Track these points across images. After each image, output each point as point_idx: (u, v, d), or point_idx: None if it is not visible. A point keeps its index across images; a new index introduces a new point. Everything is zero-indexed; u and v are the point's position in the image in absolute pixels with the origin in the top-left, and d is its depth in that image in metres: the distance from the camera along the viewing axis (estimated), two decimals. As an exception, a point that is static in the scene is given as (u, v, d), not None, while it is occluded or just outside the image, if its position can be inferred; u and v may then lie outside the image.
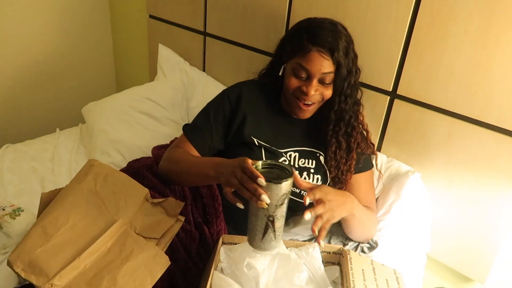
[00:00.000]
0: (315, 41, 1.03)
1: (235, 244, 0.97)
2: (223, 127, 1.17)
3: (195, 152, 1.15)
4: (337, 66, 1.05)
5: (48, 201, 0.97)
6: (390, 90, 1.28)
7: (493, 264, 1.20)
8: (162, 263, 0.87)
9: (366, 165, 1.19)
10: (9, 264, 0.84)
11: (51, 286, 0.80)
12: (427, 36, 1.16)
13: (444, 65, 1.15)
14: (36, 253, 0.84)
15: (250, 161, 0.81)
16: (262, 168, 0.83)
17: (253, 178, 0.78)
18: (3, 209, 1.20)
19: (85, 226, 0.90)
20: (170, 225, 0.97)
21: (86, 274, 0.84)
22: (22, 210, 1.21)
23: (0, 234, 1.14)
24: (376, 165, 1.22)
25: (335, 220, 0.92)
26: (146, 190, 1.00)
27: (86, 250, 0.85)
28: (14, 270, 0.83)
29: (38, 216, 0.96)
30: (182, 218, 1.01)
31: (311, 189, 0.90)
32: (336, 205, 0.91)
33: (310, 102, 1.09)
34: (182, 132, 1.21)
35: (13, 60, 2.08)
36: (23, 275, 0.82)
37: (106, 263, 0.86)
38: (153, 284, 0.84)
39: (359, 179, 1.17)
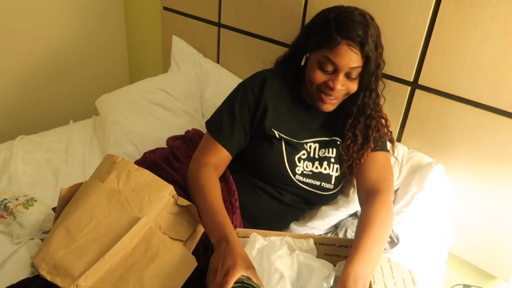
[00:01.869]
0: (345, 34, 0.96)
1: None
2: (248, 122, 1.11)
3: (224, 152, 1.09)
4: (366, 60, 0.99)
5: (68, 196, 0.95)
6: (411, 80, 1.24)
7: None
8: (189, 264, 0.85)
9: (382, 146, 1.13)
10: (34, 267, 0.83)
11: (77, 287, 0.79)
12: (452, 23, 1.11)
13: (470, 54, 1.10)
14: (61, 254, 0.83)
15: (230, 286, 0.76)
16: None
17: None
18: (17, 199, 1.19)
19: (109, 225, 0.87)
20: (195, 227, 0.94)
21: (112, 275, 0.82)
22: (35, 200, 1.20)
23: (14, 224, 1.14)
24: (393, 151, 1.17)
25: None
26: (171, 187, 0.96)
27: (111, 250, 0.83)
28: (40, 273, 0.82)
29: (57, 213, 0.94)
30: None
31: None
32: None
33: (334, 97, 1.05)
34: (197, 122, 1.18)
35: (27, 53, 2.08)
36: (48, 278, 0.81)
37: (131, 263, 0.84)
38: (181, 286, 0.82)
39: (375, 156, 1.10)
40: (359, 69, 1.00)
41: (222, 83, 1.75)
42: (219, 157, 1.09)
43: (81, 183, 0.95)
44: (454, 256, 1.28)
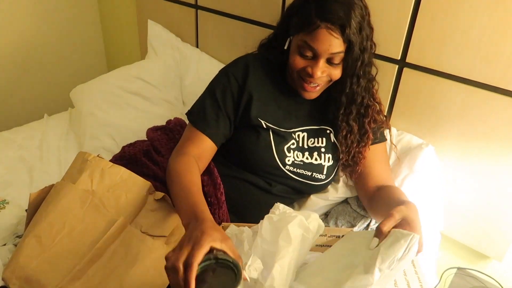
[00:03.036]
0: (324, 16, 0.88)
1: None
2: (232, 110, 1.04)
3: (208, 143, 1.02)
4: (349, 45, 0.91)
5: (38, 201, 0.88)
6: (399, 58, 1.18)
7: (513, 240, 1.13)
8: None
9: (381, 137, 1.10)
10: (5, 281, 0.77)
11: None
12: (439, -3, 1.05)
13: (459, 29, 1.05)
14: (32, 266, 0.77)
15: (199, 259, 0.63)
16: (204, 265, 0.63)
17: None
18: (-13, 202, 1.12)
19: (84, 230, 0.82)
20: (178, 220, 0.88)
21: (90, 284, 0.77)
22: (7, 203, 1.13)
23: (-15, 229, 1.07)
24: (391, 136, 1.13)
25: None
26: (149, 184, 0.91)
27: (86, 257, 0.78)
28: None
29: (28, 219, 0.88)
30: None
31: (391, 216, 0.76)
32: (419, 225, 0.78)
33: (315, 84, 0.98)
34: (177, 111, 1.11)
35: (-5, 44, 1.97)
36: None
37: (110, 269, 0.78)
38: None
39: (375, 151, 1.08)
40: (342, 54, 0.92)
41: (202, 68, 1.68)
42: (202, 149, 1.02)
43: (51, 186, 0.89)
44: (447, 238, 1.26)
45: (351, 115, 1.03)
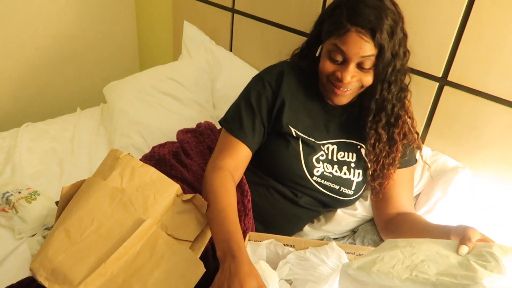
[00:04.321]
0: (355, 20, 0.88)
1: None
2: (267, 117, 1.04)
3: (245, 151, 1.00)
4: (380, 49, 0.90)
5: (69, 195, 0.89)
6: (440, 75, 1.14)
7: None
8: (196, 270, 0.79)
9: (411, 158, 1.07)
10: (32, 272, 0.78)
11: None
12: (489, 14, 1.01)
13: (507, 48, 1.00)
14: (60, 259, 0.77)
15: None
16: None
17: None
18: (19, 192, 1.15)
19: (111, 227, 0.82)
20: (203, 226, 0.88)
21: (114, 282, 0.77)
22: (39, 194, 1.15)
23: (16, 219, 1.09)
24: (421, 156, 1.09)
25: None
26: (177, 186, 0.90)
27: (113, 255, 0.78)
28: (37, 279, 0.77)
29: (58, 212, 0.89)
30: None
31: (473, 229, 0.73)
32: None
33: (346, 89, 0.96)
34: (207, 113, 1.11)
35: (34, 38, 2.02)
36: (46, 284, 0.76)
37: (135, 269, 0.79)
38: None
39: (403, 174, 1.05)
40: (373, 58, 0.91)
41: (234, 73, 1.67)
42: (239, 158, 1.00)
43: (83, 180, 0.90)
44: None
45: (380, 123, 1.00)
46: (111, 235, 0.81)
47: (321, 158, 1.03)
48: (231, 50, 1.78)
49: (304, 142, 1.02)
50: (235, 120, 1.03)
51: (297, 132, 1.02)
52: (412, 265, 0.66)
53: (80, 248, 0.79)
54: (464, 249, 0.67)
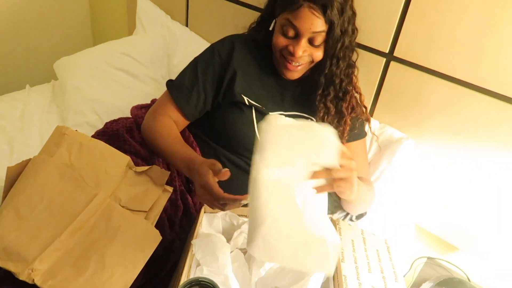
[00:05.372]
0: None
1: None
2: (212, 86, 1.08)
3: (179, 115, 1.08)
4: (330, 25, 0.94)
5: (16, 175, 0.86)
6: (387, 51, 1.20)
7: (483, 233, 1.18)
8: (153, 239, 0.81)
9: (361, 131, 1.13)
10: None
11: (32, 271, 0.73)
12: (431, -7, 1.07)
13: (447, 26, 1.06)
14: (11, 238, 0.76)
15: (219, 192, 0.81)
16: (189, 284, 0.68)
17: None
18: (-35, 172, 1.10)
19: (63, 203, 0.81)
20: (157, 195, 0.89)
21: (70, 255, 0.77)
22: (-14, 173, 1.11)
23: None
24: (370, 128, 1.15)
25: (346, 191, 0.76)
26: (128, 158, 0.91)
27: (67, 229, 0.78)
28: None
29: (4, 193, 0.87)
30: (170, 189, 0.92)
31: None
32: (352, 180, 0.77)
33: (297, 64, 1.00)
34: (164, 90, 1.12)
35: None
36: None
37: (91, 241, 0.79)
38: (145, 262, 0.78)
39: (355, 147, 1.11)
40: (323, 35, 0.95)
41: (191, 48, 1.66)
42: (176, 116, 1.09)
43: (29, 160, 0.88)
44: (421, 229, 1.30)
45: (328, 97, 1.05)
46: (63, 211, 0.81)
47: None
48: (187, 25, 1.76)
49: (258, 110, 1.05)
50: (177, 82, 1.09)
51: (250, 101, 1.05)
52: None
53: (32, 225, 0.78)
54: None
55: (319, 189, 0.71)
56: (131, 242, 0.80)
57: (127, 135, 1.12)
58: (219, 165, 0.83)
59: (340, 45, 0.98)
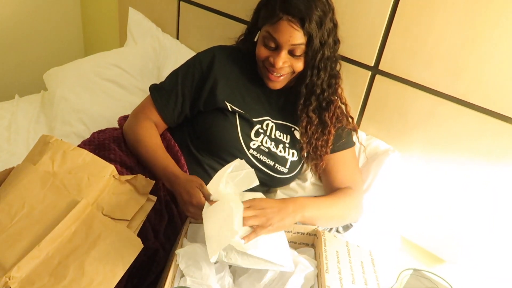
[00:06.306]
0: (286, 9, 0.95)
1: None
2: (190, 90, 1.11)
3: (158, 117, 1.12)
4: (309, 37, 0.97)
5: None
6: (372, 65, 1.22)
7: (468, 245, 1.18)
8: (134, 247, 0.80)
9: (348, 141, 1.14)
10: None
11: (9, 279, 0.72)
12: (414, 9, 1.09)
13: (430, 41, 1.09)
14: None
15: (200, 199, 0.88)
16: None
17: None
18: None
19: (44, 211, 0.80)
20: (141, 205, 0.88)
21: (49, 263, 0.75)
22: (-30, 182, 1.10)
23: None
24: (357, 138, 1.17)
25: (275, 226, 0.85)
26: (112, 167, 0.91)
27: (47, 237, 0.76)
28: None
29: None
30: (154, 198, 0.92)
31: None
32: (271, 212, 0.85)
33: (279, 74, 1.02)
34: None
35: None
36: None
37: (70, 249, 0.78)
38: (125, 270, 0.77)
39: (343, 157, 1.12)
40: (303, 47, 0.98)
41: (181, 60, 1.64)
42: (156, 118, 1.13)
43: (12, 168, 0.88)
44: (407, 241, 1.31)
45: (310, 107, 1.07)
46: (44, 218, 0.80)
47: (260, 131, 1.08)
48: (177, 38, 1.77)
49: (241, 116, 1.07)
50: (159, 88, 1.14)
51: (233, 107, 1.07)
52: None
53: (11, 233, 0.77)
54: None
55: (247, 238, 0.80)
56: (111, 249, 0.79)
57: (114, 144, 1.12)
58: (206, 189, 0.87)
59: (320, 56, 1.00)
